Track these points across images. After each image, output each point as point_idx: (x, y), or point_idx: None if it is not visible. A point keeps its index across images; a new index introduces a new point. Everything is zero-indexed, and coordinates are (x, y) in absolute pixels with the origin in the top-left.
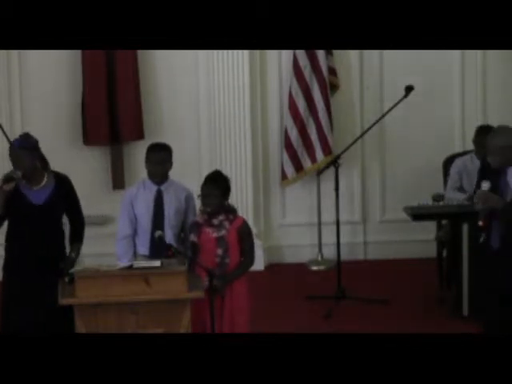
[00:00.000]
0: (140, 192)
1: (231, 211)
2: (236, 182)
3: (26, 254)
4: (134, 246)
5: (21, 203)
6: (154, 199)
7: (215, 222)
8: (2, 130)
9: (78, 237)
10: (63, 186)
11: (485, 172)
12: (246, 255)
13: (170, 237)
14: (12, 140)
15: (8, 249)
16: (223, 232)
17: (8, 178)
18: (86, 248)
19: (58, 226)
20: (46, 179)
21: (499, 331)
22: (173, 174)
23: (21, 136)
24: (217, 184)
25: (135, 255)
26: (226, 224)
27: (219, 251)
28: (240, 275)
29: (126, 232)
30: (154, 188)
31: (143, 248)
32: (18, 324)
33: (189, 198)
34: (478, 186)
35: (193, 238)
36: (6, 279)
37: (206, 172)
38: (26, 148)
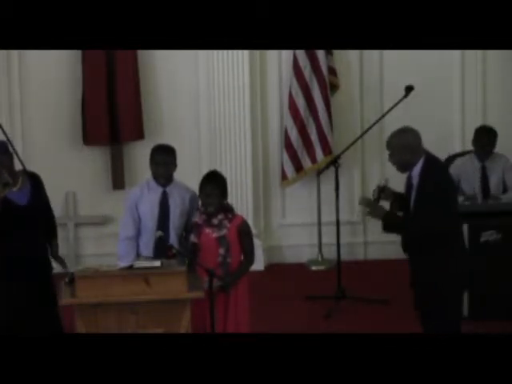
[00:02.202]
0: (144, 193)
1: (229, 210)
2: (236, 182)
3: (15, 255)
4: (137, 247)
5: (6, 206)
6: (160, 201)
7: (215, 221)
8: (2, 130)
9: (53, 233)
10: (39, 184)
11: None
12: (246, 254)
13: (173, 238)
14: None
15: None
16: (224, 231)
17: (5, 185)
18: (86, 248)
19: (41, 225)
20: (21, 179)
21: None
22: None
23: None
24: (217, 183)
25: (138, 257)
26: (226, 223)
27: (221, 250)
28: (243, 274)
29: (128, 233)
30: (160, 190)
31: (146, 250)
32: (7, 324)
33: (193, 199)
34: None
35: (193, 238)
36: None
37: (206, 172)
38: (1, 152)
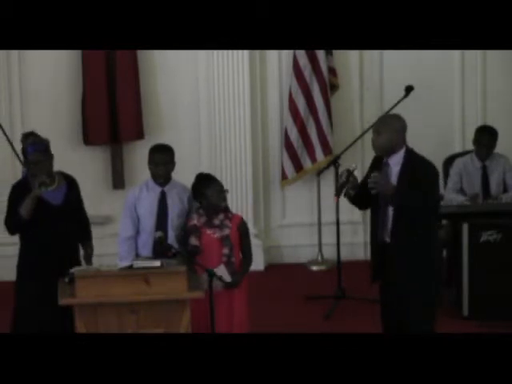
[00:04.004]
0: (143, 193)
1: (227, 209)
2: (236, 182)
3: (47, 254)
4: (136, 247)
5: (40, 205)
6: (158, 201)
7: (216, 222)
8: (2, 130)
9: (87, 234)
10: (74, 186)
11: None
12: (246, 253)
13: (172, 238)
14: (26, 144)
15: (26, 250)
16: (227, 231)
17: (41, 184)
18: None
19: (74, 226)
20: (57, 179)
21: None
22: (172, 173)
23: (30, 137)
24: (217, 181)
25: (137, 257)
26: (228, 222)
27: (225, 250)
28: (246, 273)
29: (128, 233)
30: (158, 189)
31: (145, 250)
32: (36, 324)
33: (191, 199)
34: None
35: (194, 241)
36: (22, 280)
37: (202, 173)
38: (41, 151)
